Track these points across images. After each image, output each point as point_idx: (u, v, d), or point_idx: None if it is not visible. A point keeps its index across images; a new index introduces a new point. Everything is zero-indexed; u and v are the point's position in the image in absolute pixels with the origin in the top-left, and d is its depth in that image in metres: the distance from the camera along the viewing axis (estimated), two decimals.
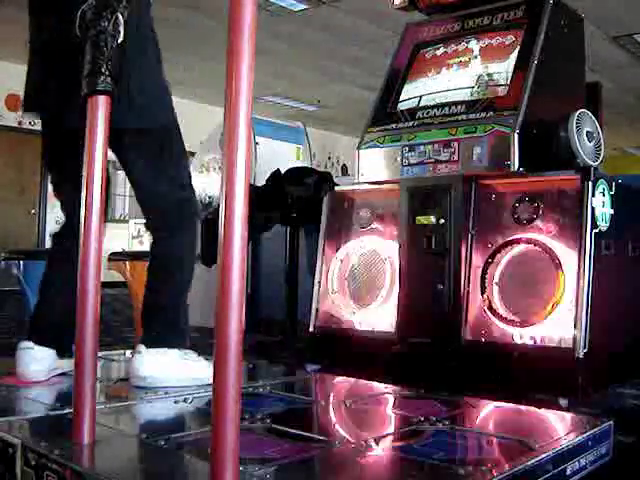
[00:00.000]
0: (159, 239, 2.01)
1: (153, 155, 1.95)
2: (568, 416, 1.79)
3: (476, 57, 2.52)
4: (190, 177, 2.07)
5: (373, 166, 2.55)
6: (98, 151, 1.38)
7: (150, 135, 1.93)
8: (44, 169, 9.37)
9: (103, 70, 1.40)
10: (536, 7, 2.44)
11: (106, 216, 2.03)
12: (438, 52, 2.65)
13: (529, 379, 2.06)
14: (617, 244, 2.19)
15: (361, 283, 2.52)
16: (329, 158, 12.89)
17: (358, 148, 2.61)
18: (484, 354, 2.19)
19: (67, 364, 2.01)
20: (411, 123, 2.49)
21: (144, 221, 2.05)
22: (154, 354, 1.92)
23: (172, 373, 1.94)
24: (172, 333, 1.99)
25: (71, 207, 1.99)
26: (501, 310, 2.16)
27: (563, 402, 1.94)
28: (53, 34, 1.90)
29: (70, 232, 1.87)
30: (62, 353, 1.99)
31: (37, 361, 1.93)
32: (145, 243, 9.81)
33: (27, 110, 2.13)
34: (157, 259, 2.02)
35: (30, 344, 1.94)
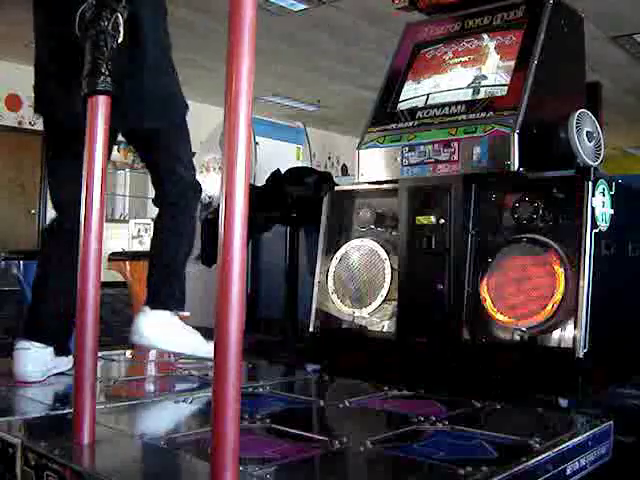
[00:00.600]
0: (167, 213, 2.16)
1: (173, 141, 2.12)
2: (568, 416, 1.79)
3: (476, 57, 2.52)
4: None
5: (373, 166, 2.55)
6: (98, 151, 1.38)
7: (172, 126, 2.09)
8: (44, 169, 9.38)
9: (103, 70, 1.40)
10: (536, 7, 2.44)
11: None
12: (438, 52, 2.65)
13: (529, 379, 2.05)
14: (617, 244, 2.19)
15: (361, 283, 2.52)
16: (329, 158, 12.89)
17: (358, 148, 2.60)
18: (484, 354, 2.18)
19: (65, 363, 2.02)
20: (411, 123, 2.49)
21: (152, 197, 2.20)
22: (158, 316, 2.02)
23: (172, 337, 2.04)
24: (173, 298, 2.11)
25: (70, 207, 2.02)
26: (501, 310, 2.16)
27: (563, 402, 1.94)
28: (57, 35, 1.91)
29: (64, 231, 1.95)
30: (60, 352, 2.01)
31: (34, 361, 1.93)
32: (145, 243, 9.81)
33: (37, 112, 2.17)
34: (163, 231, 2.18)
35: (27, 344, 1.94)
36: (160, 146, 2.11)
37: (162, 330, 2.01)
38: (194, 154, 2.34)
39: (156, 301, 2.06)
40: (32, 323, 2.03)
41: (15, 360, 1.93)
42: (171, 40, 2.12)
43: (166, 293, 2.09)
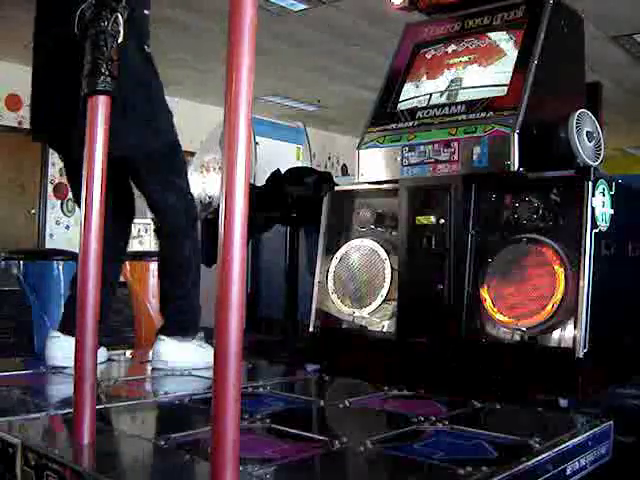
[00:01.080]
0: (169, 243, 2.27)
1: (160, 171, 2.19)
2: (568, 416, 1.79)
3: (476, 57, 2.52)
4: (189, 185, 2.33)
5: (373, 166, 2.55)
6: (98, 151, 1.38)
7: (154, 155, 2.14)
8: (44, 169, 9.39)
9: (103, 70, 1.40)
10: (536, 7, 2.44)
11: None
12: (438, 52, 2.65)
13: (529, 379, 2.05)
14: (617, 244, 2.19)
15: (361, 283, 2.52)
16: (329, 158, 12.89)
17: (358, 148, 2.60)
18: (484, 354, 2.18)
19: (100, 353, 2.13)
20: (411, 123, 2.49)
21: (153, 227, 2.36)
22: (173, 343, 2.23)
23: (187, 358, 2.22)
24: (185, 327, 2.28)
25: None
26: (501, 310, 2.16)
27: (563, 402, 1.94)
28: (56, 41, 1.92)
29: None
30: None
31: (62, 349, 2.12)
32: (145, 243, 9.83)
33: (36, 136, 2.27)
34: (165, 263, 2.31)
35: (57, 333, 2.19)
36: (145, 176, 2.20)
37: (178, 354, 2.22)
38: (185, 165, 2.38)
39: (170, 330, 2.25)
40: (63, 316, 2.26)
41: (47, 347, 2.20)
42: (159, 72, 2.14)
43: (179, 325, 2.27)
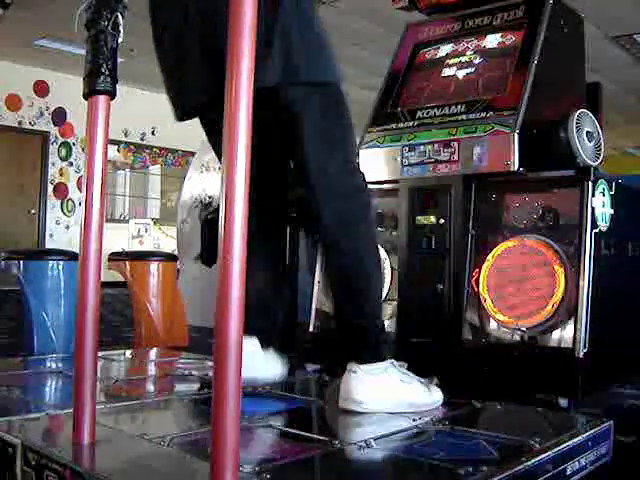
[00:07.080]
0: (332, 244, 1.66)
1: (323, 126, 1.62)
2: (568, 416, 1.79)
3: (476, 57, 2.52)
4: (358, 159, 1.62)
5: (373, 166, 2.54)
6: (98, 151, 1.38)
7: (317, 97, 1.61)
8: (44, 169, 9.39)
9: (103, 70, 1.40)
10: (536, 7, 2.44)
11: None
12: (438, 52, 2.65)
13: (529, 379, 2.05)
14: (617, 244, 2.19)
15: None
16: None
17: (358, 148, 2.60)
18: (484, 354, 2.18)
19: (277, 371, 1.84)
20: (411, 123, 2.49)
21: (304, 224, 1.89)
22: (373, 375, 1.68)
23: (389, 398, 1.67)
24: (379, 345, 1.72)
25: None
26: (501, 310, 2.16)
27: (563, 402, 1.94)
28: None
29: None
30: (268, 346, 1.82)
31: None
32: (145, 243, 9.83)
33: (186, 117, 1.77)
34: (338, 270, 1.69)
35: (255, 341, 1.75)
36: (312, 121, 1.71)
37: (377, 393, 1.69)
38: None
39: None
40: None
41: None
42: None
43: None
